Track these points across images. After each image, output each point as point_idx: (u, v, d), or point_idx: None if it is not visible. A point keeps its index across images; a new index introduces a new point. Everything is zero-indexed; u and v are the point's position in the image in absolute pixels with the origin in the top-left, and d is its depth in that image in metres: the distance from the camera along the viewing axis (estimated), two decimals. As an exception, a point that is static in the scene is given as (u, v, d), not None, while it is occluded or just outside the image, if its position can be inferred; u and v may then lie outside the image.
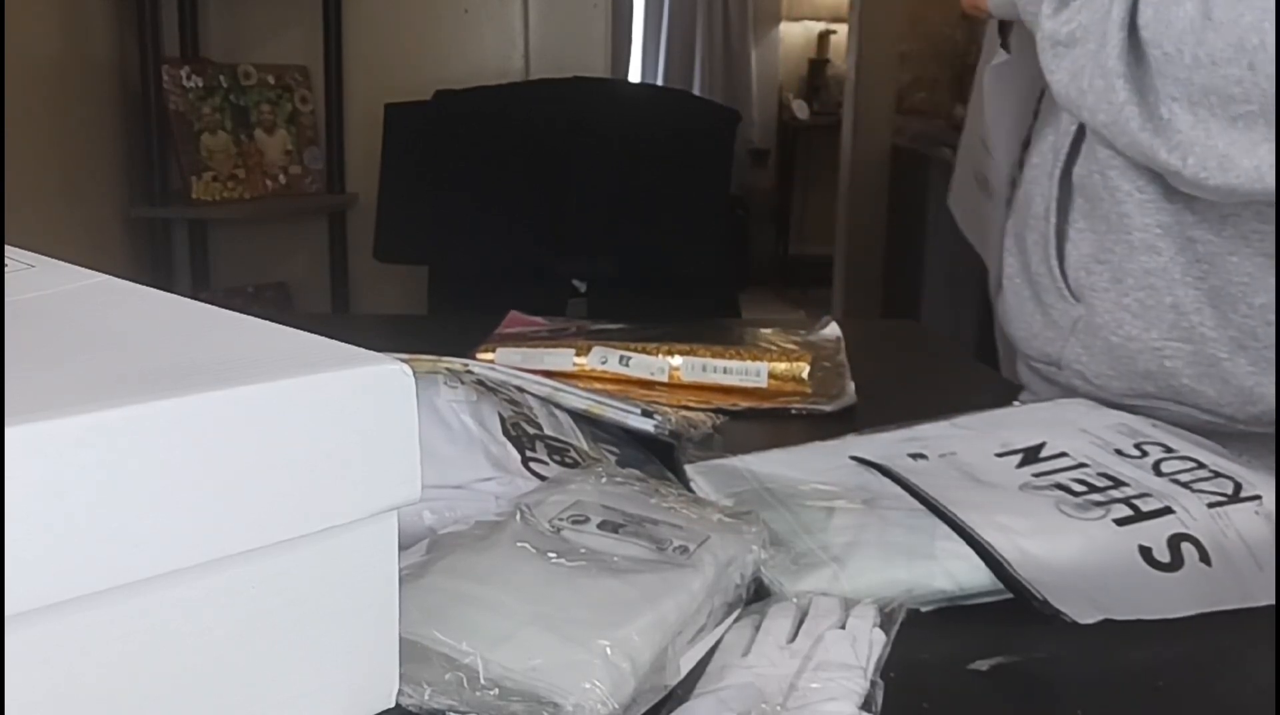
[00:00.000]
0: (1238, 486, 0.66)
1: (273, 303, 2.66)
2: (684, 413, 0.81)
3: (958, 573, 0.59)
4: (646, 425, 0.75)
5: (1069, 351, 0.93)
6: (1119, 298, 0.89)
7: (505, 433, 0.70)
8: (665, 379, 0.98)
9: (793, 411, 0.95)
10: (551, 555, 0.55)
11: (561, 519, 0.59)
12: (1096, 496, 0.66)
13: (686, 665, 0.51)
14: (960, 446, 0.76)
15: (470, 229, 2.25)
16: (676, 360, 0.99)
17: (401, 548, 0.44)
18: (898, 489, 0.69)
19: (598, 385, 0.92)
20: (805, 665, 0.50)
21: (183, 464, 0.35)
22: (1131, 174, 0.86)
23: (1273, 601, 0.60)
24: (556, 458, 0.70)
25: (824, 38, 6.09)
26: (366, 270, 2.63)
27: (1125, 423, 0.77)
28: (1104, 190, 0.88)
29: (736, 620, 0.56)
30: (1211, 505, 0.64)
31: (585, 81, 2.50)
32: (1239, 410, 0.86)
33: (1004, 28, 1.03)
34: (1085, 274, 0.91)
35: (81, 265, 0.51)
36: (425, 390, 0.67)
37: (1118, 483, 0.67)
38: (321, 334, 0.42)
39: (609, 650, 0.47)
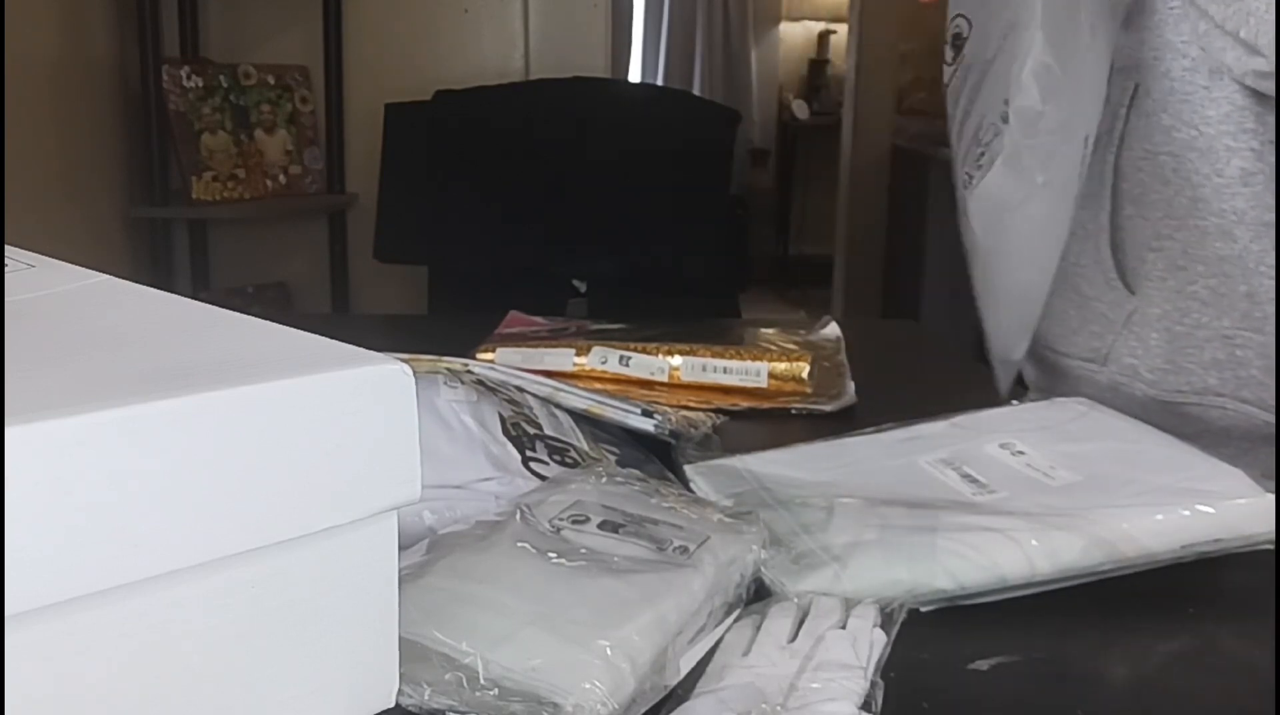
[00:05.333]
0: None
1: (273, 303, 2.66)
2: (684, 413, 0.81)
3: (958, 572, 0.59)
4: (646, 425, 0.75)
5: (1120, 346, 0.89)
6: (1183, 286, 0.85)
7: (505, 433, 0.70)
8: (665, 379, 0.98)
9: (793, 411, 0.95)
10: (551, 555, 0.55)
11: (561, 519, 0.59)
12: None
13: (686, 665, 0.51)
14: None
15: (470, 229, 2.25)
16: (676, 360, 0.99)
17: (401, 548, 0.44)
18: (897, 488, 0.69)
19: (598, 385, 0.92)
20: (805, 665, 0.50)
21: (183, 464, 0.35)
22: (1212, 157, 0.83)
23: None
24: (556, 458, 0.70)
25: (824, 38, 6.09)
26: (366, 270, 2.63)
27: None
28: (1171, 173, 0.85)
29: (737, 620, 0.56)
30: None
31: (585, 81, 2.50)
32: None
33: None
34: (1140, 263, 0.87)
35: (81, 265, 0.51)
36: (425, 390, 0.67)
37: None
38: (321, 334, 0.42)
39: (609, 650, 0.47)
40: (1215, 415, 0.84)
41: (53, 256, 0.52)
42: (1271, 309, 0.82)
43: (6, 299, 0.45)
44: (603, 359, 0.98)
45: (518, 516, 0.59)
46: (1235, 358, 0.84)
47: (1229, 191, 0.82)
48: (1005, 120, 0.88)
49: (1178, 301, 0.86)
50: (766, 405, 0.96)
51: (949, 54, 0.96)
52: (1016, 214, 0.91)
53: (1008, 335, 0.97)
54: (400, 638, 0.44)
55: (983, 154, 0.91)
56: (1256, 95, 0.79)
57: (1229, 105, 0.81)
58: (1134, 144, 0.88)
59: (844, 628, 0.54)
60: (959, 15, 0.95)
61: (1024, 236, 0.93)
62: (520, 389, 0.75)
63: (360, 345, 0.41)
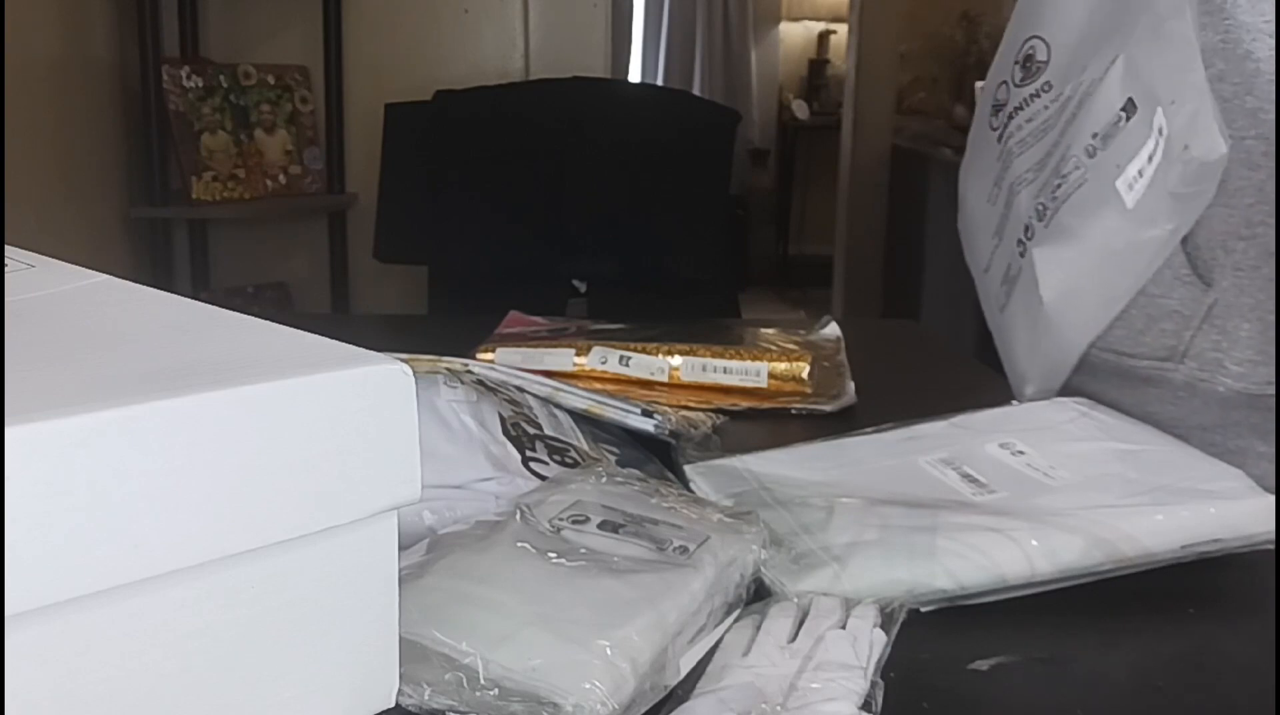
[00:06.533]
0: None
1: (273, 303, 2.65)
2: (684, 413, 0.81)
3: (958, 572, 0.59)
4: (646, 425, 0.75)
5: (1201, 340, 0.85)
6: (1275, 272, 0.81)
7: (505, 433, 0.70)
8: (665, 379, 0.98)
9: (793, 411, 0.95)
10: (551, 555, 0.55)
11: (561, 519, 0.59)
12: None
13: (686, 665, 0.51)
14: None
15: (470, 229, 2.25)
16: (676, 360, 0.99)
17: (401, 548, 0.44)
18: (897, 488, 0.69)
19: (598, 385, 0.92)
20: (805, 665, 0.50)
21: (183, 464, 0.35)
22: None
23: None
24: (556, 458, 0.70)
25: (824, 38, 6.09)
26: (366, 270, 2.63)
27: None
28: (1261, 158, 0.80)
29: (737, 620, 0.56)
30: None
31: (585, 81, 2.49)
32: None
33: None
34: (1223, 253, 0.83)
35: (81, 265, 0.51)
36: (425, 390, 0.67)
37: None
38: (321, 334, 0.42)
39: (609, 650, 0.47)
40: None
41: (53, 256, 0.52)
42: None
43: (6, 299, 0.45)
44: (603, 359, 0.98)
45: (518, 516, 0.59)
46: None
47: None
48: (1090, 155, 0.84)
49: (1271, 289, 0.83)
50: (766, 405, 0.96)
51: (1017, 74, 0.94)
52: (1114, 261, 0.86)
53: (1038, 378, 0.94)
54: (400, 638, 0.44)
55: (1060, 186, 0.88)
56: None
57: None
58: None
59: (844, 628, 0.54)
60: (1034, 37, 0.93)
61: (1107, 285, 0.87)
62: (520, 389, 0.75)
63: (360, 345, 0.41)
